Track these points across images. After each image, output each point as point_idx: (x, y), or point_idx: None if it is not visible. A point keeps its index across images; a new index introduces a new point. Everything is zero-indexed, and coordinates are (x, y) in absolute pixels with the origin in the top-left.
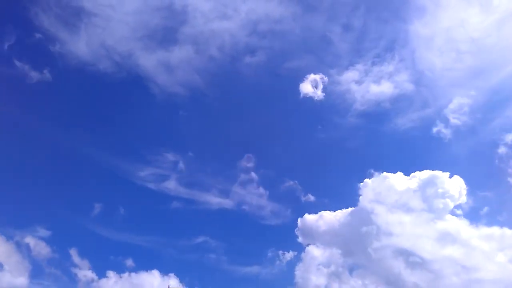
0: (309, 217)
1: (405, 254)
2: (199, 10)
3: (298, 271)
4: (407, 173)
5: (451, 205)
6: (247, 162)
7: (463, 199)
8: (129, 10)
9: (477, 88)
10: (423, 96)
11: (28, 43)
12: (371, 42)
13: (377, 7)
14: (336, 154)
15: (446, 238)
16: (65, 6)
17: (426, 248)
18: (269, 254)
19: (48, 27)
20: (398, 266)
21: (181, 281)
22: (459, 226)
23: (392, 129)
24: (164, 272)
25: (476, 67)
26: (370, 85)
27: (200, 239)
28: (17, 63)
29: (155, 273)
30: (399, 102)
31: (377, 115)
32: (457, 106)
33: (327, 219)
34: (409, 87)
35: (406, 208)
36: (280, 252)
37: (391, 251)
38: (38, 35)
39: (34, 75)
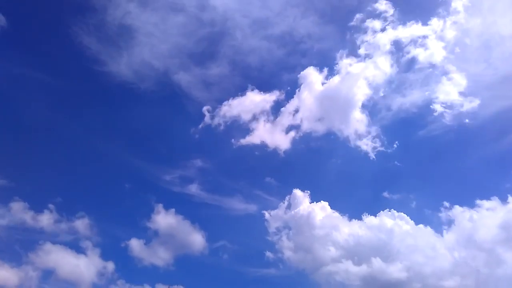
0: None
1: None
2: (239, 26)
3: None
4: None
5: None
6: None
7: None
8: (171, 26)
9: None
10: None
11: (71, 62)
12: None
13: None
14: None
15: None
16: (108, 25)
17: None
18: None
19: (90, 46)
20: None
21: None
22: None
23: None
24: None
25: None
26: None
27: (219, 243)
28: (61, 82)
29: None
30: None
31: None
32: None
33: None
34: None
35: None
36: None
37: None
38: (80, 55)
39: (77, 92)
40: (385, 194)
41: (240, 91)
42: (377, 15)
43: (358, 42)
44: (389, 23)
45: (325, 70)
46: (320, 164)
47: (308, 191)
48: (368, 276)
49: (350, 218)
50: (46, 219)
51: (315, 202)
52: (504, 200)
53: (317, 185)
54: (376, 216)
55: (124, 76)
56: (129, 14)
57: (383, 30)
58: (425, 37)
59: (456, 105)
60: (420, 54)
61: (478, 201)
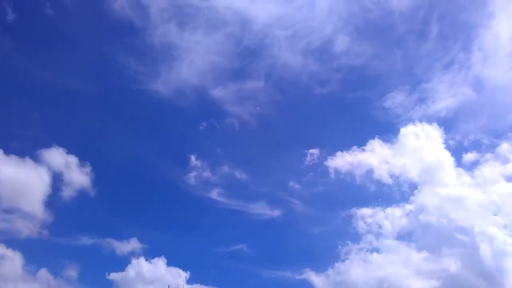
0: None
1: None
2: (276, 43)
3: None
4: None
5: None
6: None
7: None
8: (210, 44)
9: None
10: None
11: (109, 82)
12: None
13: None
14: None
15: None
16: (148, 44)
17: None
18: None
19: (129, 65)
20: None
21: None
22: None
23: None
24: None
25: None
26: None
27: (237, 246)
28: (102, 99)
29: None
30: None
31: None
32: None
33: None
34: None
35: None
36: None
37: None
38: (119, 75)
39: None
40: None
41: None
42: None
43: None
44: None
45: None
46: None
47: None
48: None
49: None
50: None
51: None
52: None
53: None
54: None
55: (163, 94)
56: (168, 33)
57: None
58: None
59: None
60: None
61: None
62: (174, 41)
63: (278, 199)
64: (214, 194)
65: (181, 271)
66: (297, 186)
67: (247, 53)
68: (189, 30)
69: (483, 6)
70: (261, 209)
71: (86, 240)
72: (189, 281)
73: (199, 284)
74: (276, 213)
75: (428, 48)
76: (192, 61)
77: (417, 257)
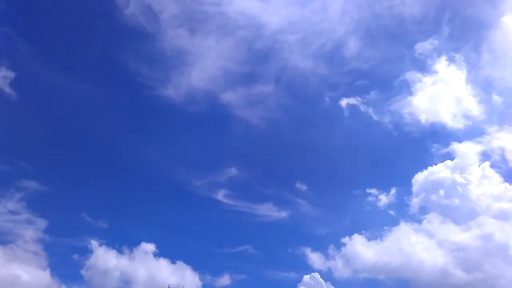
0: None
1: None
2: (286, 47)
3: None
4: None
5: None
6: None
7: None
8: (222, 48)
9: None
10: None
11: (121, 89)
12: None
13: None
14: None
15: None
16: (158, 50)
17: None
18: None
19: (140, 72)
20: None
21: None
22: None
23: None
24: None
25: None
26: None
27: (242, 247)
28: (113, 106)
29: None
30: None
31: None
32: None
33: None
34: None
35: None
36: None
37: None
38: (130, 81)
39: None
40: None
41: None
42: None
43: None
44: None
45: None
46: None
47: None
48: None
49: None
50: None
51: None
52: None
53: None
54: None
55: (173, 99)
56: (180, 39)
57: None
58: None
59: None
60: None
61: None
62: (185, 46)
63: (285, 200)
64: (221, 195)
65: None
66: (304, 187)
67: (258, 57)
68: (200, 35)
69: (493, 7)
70: (268, 210)
71: None
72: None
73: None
74: (283, 214)
75: (439, 50)
76: (203, 66)
77: None
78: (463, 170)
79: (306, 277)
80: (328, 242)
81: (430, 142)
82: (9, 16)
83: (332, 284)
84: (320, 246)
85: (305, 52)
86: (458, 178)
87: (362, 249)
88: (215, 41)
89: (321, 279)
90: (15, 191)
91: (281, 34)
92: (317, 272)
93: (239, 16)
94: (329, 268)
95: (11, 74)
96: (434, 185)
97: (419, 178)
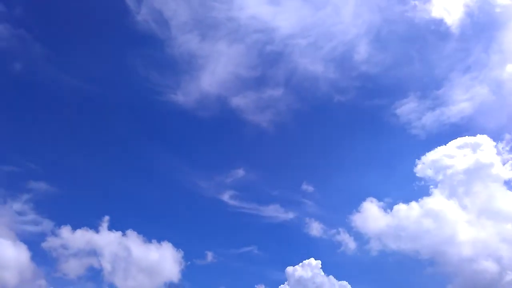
0: None
1: None
2: (296, 51)
3: None
4: None
5: None
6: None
7: None
8: (233, 53)
9: None
10: None
11: (130, 93)
12: None
13: None
14: None
15: None
16: (167, 55)
17: None
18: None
19: (149, 76)
20: None
21: None
22: None
23: None
24: None
25: None
26: None
27: (247, 248)
28: (122, 112)
29: None
30: None
31: None
32: None
33: None
34: None
35: None
36: None
37: None
38: (139, 86)
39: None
40: None
41: None
42: None
43: None
44: None
45: None
46: None
47: None
48: None
49: None
50: None
51: None
52: None
53: None
54: None
55: (183, 104)
56: (190, 45)
57: None
58: None
59: None
60: None
61: None
62: (195, 52)
63: (292, 201)
64: (227, 196)
65: None
66: (310, 189)
67: (268, 61)
68: (211, 41)
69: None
70: (275, 212)
71: None
72: None
73: None
74: (290, 215)
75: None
76: (213, 71)
77: None
78: None
79: None
80: None
81: None
82: (24, 20)
83: None
84: None
85: (315, 56)
86: None
87: None
88: (225, 46)
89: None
90: (23, 192)
91: (292, 38)
92: None
93: (250, 21)
94: None
95: (25, 75)
96: None
97: None
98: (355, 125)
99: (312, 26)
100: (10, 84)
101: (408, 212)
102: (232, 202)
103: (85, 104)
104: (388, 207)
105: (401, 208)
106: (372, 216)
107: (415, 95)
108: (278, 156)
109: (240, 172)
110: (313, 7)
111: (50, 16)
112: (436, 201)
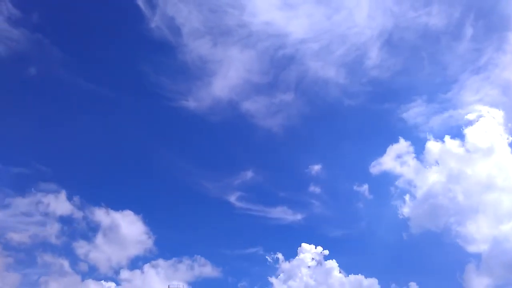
0: None
1: None
2: (308, 55)
3: None
4: None
5: None
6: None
7: None
8: (245, 59)
9: None
10: None
11: (143, 101)
12: None
13: None
14: None
15: None
16: (179, 62)
17: None
18: None
19: (161, 84)
20: None
21: None
22: None
23: None
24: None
25: None
26: None
27: (253, 249)
28: (137, 114)
29: None
30: None
31: None
32: None
33: None
34: None
35: None
36: None
37: None
38: (152, 91)
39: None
40: None
41: None
42: None
43: None
44: None
45: None
46: None
47: None
48: None
49: None
50: None
51: None
52: None
53: None
54: None
55: (195, 109)
56: (202, 51)
57: None
58: None
59: None
60: None
61: None
62: (207, 58)
63: (300, 203)
64: (233, 198)
65: None
66: (317, 190)
67: (279, 66)
68: (223, 47)
69: None
70: (282, 213)
71: None
72: None
73: None
74: (298, 216)
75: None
76: (225, 76)
77: None
78: None
79: None
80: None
81: None
82: (41, 25)
83: None
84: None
85: (326, 61)
86: None
87: None
88: (237, 52)
89: None
90: (33, 193)
91: (304, 43)
92: None
93: (263, 27)
94: None
95: (41, 79)
96: None
97: None
98: (364, 129)
99: (326, 30)
100: (26, 87)
101: None
102: (239, 204)
103: (98, 108)
104: None
105: None
106: None
107: (422, 99)
108: (287, 158)
109: (249, 174)
110: (327, 12)
111: (66, 21)
112: None
